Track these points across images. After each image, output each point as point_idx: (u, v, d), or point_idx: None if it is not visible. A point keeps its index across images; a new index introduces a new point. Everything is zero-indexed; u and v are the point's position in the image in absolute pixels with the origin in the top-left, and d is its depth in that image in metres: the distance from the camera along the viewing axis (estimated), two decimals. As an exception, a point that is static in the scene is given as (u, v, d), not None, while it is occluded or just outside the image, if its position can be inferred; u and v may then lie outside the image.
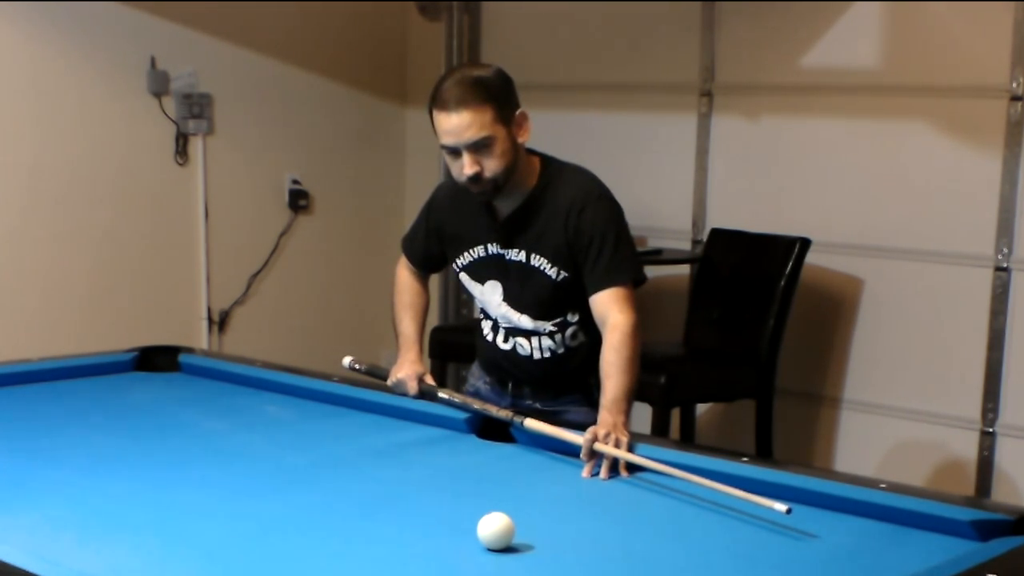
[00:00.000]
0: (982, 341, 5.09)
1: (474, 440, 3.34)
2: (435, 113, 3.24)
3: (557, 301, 3.41)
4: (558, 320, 3.44)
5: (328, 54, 6.57)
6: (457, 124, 3.19)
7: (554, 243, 3.36)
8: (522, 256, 3.40)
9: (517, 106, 3.31)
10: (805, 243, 5.22)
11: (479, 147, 3.20)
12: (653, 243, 5.86)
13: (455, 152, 3.23)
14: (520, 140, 3.31)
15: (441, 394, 3.48)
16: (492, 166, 3.23)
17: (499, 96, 3.25)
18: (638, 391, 3.29)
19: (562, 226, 3.34)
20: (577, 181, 3.40)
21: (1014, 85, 4.92)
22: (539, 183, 3.38)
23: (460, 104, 3.18)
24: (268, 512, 2.73)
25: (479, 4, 6.56)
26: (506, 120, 3.25)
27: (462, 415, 3.40)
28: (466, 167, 3.22)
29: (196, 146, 6.09)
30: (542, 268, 3.38)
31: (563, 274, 3.37)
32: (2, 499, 2.77)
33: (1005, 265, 5.01)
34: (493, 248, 3.44)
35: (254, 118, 6.31)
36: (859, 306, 5.44)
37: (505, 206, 3.40)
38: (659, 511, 2.82)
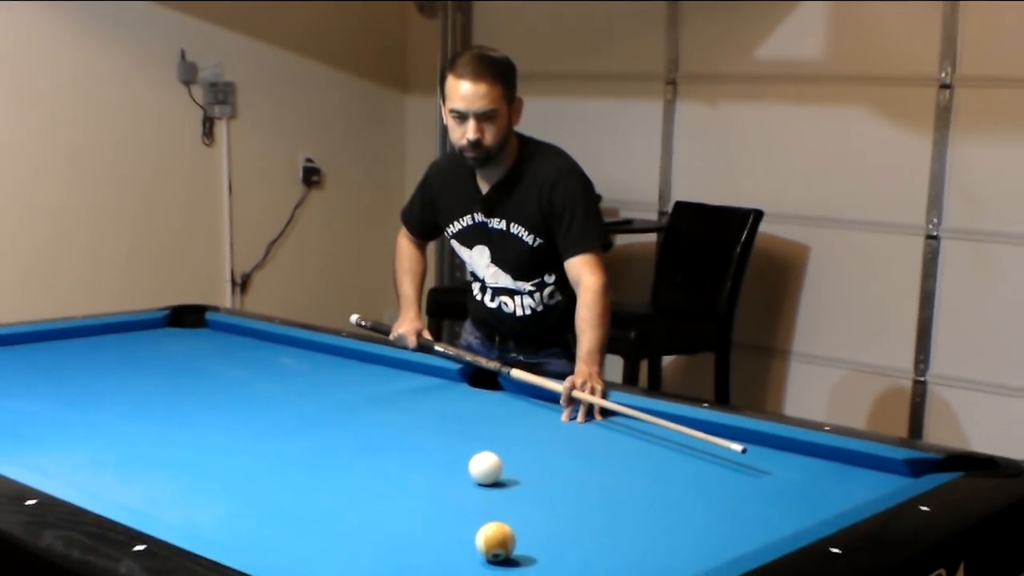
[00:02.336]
0: (914, 301, 5.08)
1: (466, 388, 3.33)
2: (453, 80, 3.24)
3: (535, 264, 3.41)
4: (536, 280, 3.44)
5: (338, 48, 6.52)
6: (473, 92, 3.20)
7: (530, 213, 3.35)
8: (503, 224, 3.40)
9: (516, 92, 3.32)
10: (759, 214, 5.20)
11: (485, 117, 3.22)
12: (624, 214, 5.83)
13: (462, 117, 3.24)
14: (513, 121, 3.33)
15: (437, 347, 3.48)
16: (491, 136, 3.25)
17: (507, 78, 3.29)
18: (610, 345, 3.28)
19: (537, 198, 3.34)
20: (551, 158, 3.40)
21: (942, 75, 4.91)
22: (518, 160, 3.38)
23: (478, 76, 3.21)
24: (285, 451, 2.72)
25: (471, 4, 6.52)
26: (509, 100, 3.29)
27: (455, 366, 3.39)
28: (470, 131, 3.23)
29: (221, 129, 6.04)
30: (520, 235, 3.38)
31: (539, 240, 3.37)
32: (50, 441, 2.76)
33: (935, 234, 5.00)
34: (478, 217, 3.44)
35: (272, 104, 6.27)
36: (806, 270, 5.43)
37: (488, 180, 3.40)
38: (630, 451, 2.81)
